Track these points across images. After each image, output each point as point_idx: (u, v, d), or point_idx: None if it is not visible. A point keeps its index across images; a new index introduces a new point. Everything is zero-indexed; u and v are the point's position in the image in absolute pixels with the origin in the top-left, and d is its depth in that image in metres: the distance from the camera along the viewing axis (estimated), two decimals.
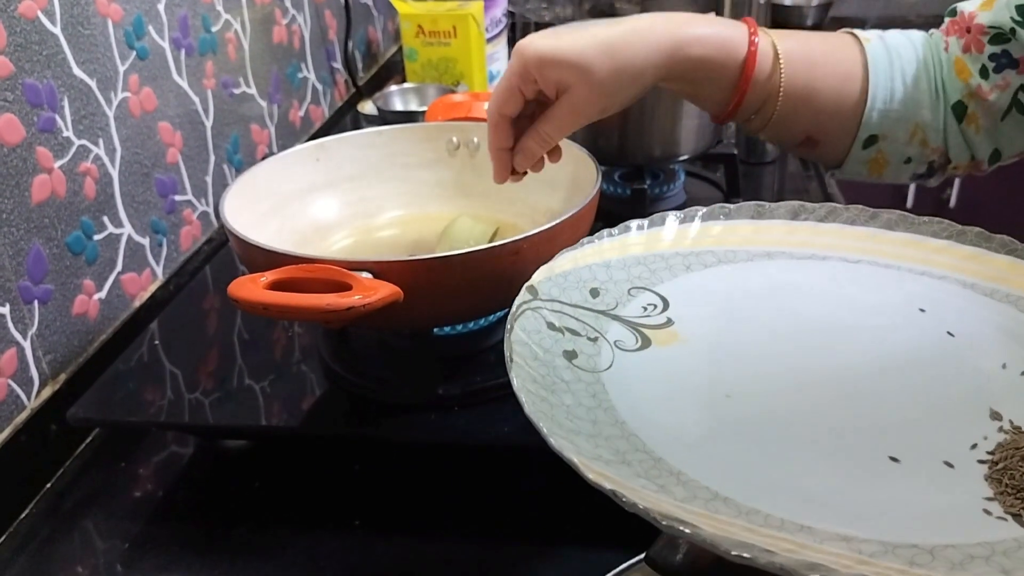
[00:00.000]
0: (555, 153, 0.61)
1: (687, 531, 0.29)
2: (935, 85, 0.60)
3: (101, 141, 0.70)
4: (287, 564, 0.53)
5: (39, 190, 0.62)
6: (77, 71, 0.67)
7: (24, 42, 0.61)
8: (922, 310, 0.45)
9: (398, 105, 1.05)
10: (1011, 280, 0.46)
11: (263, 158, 0.78)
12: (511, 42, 1.24)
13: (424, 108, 0.97)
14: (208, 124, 0.87)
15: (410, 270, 0.51)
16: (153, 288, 0.77)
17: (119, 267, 0.72)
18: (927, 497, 0.34)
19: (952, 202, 1.88)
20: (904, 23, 1.56)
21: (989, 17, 0.58)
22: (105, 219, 0.70)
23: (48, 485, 0.61)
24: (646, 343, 0.43)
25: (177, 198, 0.81)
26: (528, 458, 0.58)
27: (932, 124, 0.61)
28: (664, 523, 0.30)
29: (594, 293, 0.46)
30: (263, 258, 0.54)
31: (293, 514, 0.57)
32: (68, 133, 0.66)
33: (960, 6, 0.60)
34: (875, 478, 0.35)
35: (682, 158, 0.81)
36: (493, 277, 0.53)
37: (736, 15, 1.28)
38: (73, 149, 0.66)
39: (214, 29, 0.88)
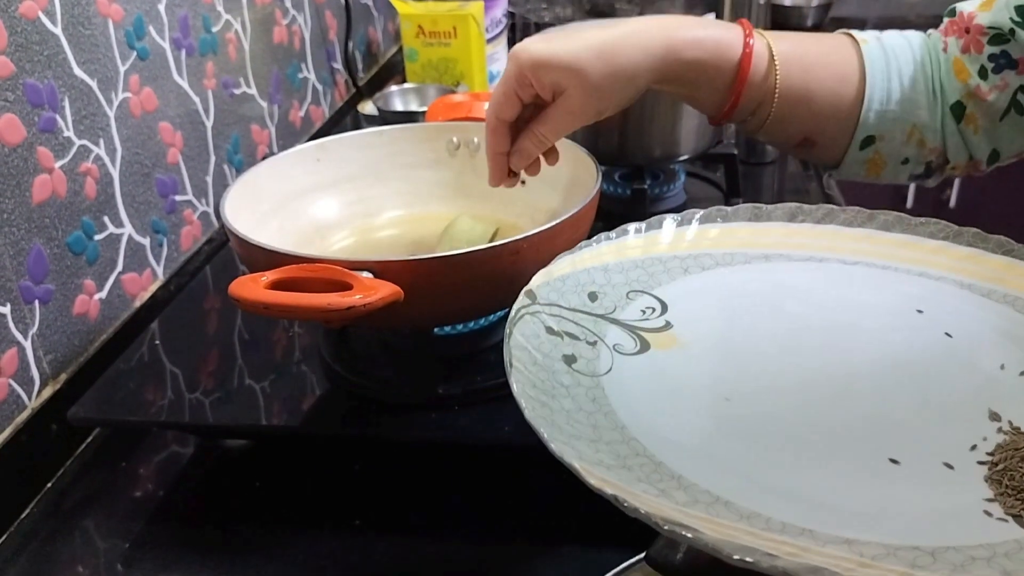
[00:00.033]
0: (552, 155, 0.61)
1: (689, 536, 0.29)
2: (932, 86, 0.61)
3: (102, 141, 0.70)
4: (287, 563, 0.53)
5: (40, 190, 0.63)
6: (78, 71, 0.67)
7: (25, 42, 0.61)
8: (920, 311, 0.45)
9: (398, 105, 1.05)
10: (1008, 281, 0.46)
11: (263, 158, 0.78)
12: (511, 42, 1.24)
13: (424, 108, 0.97)
14: (208, 124, 0.87)
15: (410, 270, 0.51)
16: (154, 288, 0.77)
17: (120, 267, 0.72)
18: (928, 499, 0.34)
19: (952, 202, 1.88)
20: (904, 23, 1.56)
21: (988, 18, 0.58)
22: (106, 219, 0.70)
23: (49, 484, 0.62)
24: (645, 347, 0.43)
25: (178, 198, 0.81)
26: (528, 458, 0.58)
27: (929, 125, 0.61)
28: (666, 528, 0.30)
29: (592, 297, 0.46)
30: (264, 258, 0.54)
31: (293, 514, 0.57)
32: (69, 133, 0.66)
33: (959, 6, 0.61)
34: (875, 480, 0.35)
35: (682, 158, 0.81)
36: (493, 277, 0.53)
37: (736, 16, 1.28)
38: (74, 149, 0.66)
39: (214, 29, 0.88)
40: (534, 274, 0.45)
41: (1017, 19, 0.56)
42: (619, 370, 0.41)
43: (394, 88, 1.07)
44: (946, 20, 0.62)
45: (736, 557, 0.28)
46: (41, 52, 0.63)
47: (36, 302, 0.62)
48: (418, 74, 1.14)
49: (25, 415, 0.61)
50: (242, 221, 0.59)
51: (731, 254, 0.50)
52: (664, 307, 0.46)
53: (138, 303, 0.75)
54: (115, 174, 0.72)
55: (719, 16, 1.28)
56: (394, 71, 1.38)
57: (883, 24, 1.47)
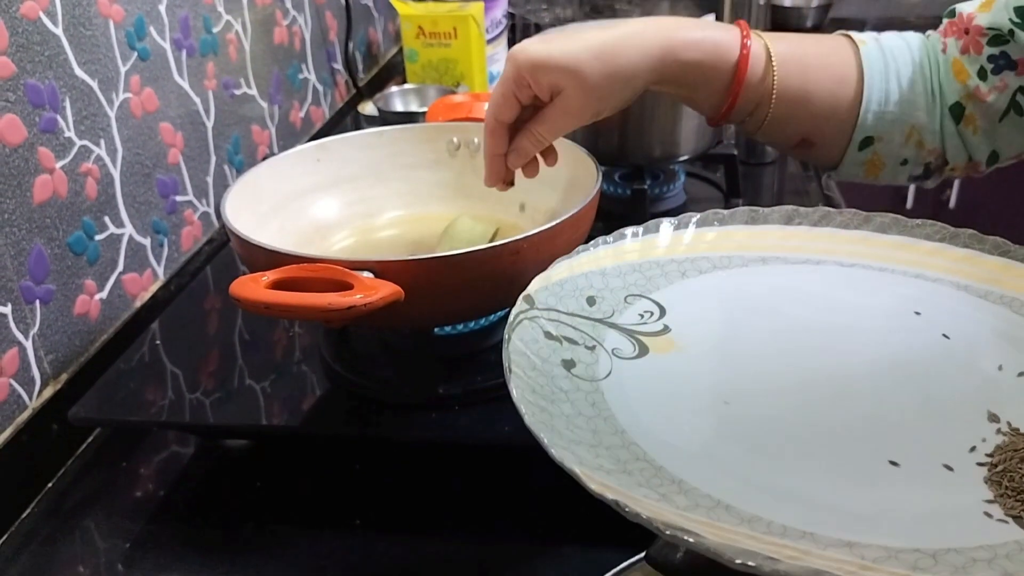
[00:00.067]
0: (550, 156, 0.61)
1: (691, 540, 0.29)
2: (931, 87, 0.61)
3: (103, 141, 0.70)
4: (288, 563, 0.53)
5: (41, 190, 0.63)
6: (79, 72, 0.67)
7: (26, 43, 0.61)
8: (917, 313, 0.45)
9: (399, 106, 1.06)
10: (1005, 282, 0.46)
11: (264, 159, 0.79)
12: (511, 43, 1.24)
13: (424, 109, 0.97)
14: (209, 125, 0.87)
15: (411, 269, 0.51)
16: (154, 288, 0.78)
17: (120, 267, 0.73)
18: (928, 501, 0.34)
19: (952, 203, 1.88)
20: (903, 24, 1.56)
21: (988, 19, 0.58)
22: (106, 219, 0.70)
23: (49, 484, 0.62)
24: (644, 351, 0.43)
25: (178, 198, 0.81)
26: (528, 458, 0.58)
27: (928, 126, 0.61)
28: (668, 533, 0.30)
29: (591, 301, 0.45)
30: (264, 258, 0.54)
31: (294, 513, 0.57)
32: (70, 133, 0.66)
33: (959, 7, 0.61)
34: (876, 482, 0.35)
35: (682, 158, 0.81)
36: (493, 277, 0.54)
37: (736, 17, 1.28)
38: (75, 149, 0.66)
39: (215, 30, 0.88)
40: (534, 274, 0.45)
41: (1016, 20, 0.56)
42: (618, 374, 0.41)
43: (394, 89, 1.07)
44: (945, 21, 0.62)
45: (738, 561, 0.28)
46: (42, 52, 0.63)
47: (37, 302, 0.63)
48: (418, 75, 1.15)
49: (26, 415, 0.61)
50: (243, 221, 0.59)
51: (728, 257, 0.50)
52: (662, 311, 0.46)
53: (139, 303, 0.75)
54: (116, 174, 0.72)
55: (719, 17, 1.29)
56: (394, 72, 1.38)
57: (882, 25, 1.47)
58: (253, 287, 0.49)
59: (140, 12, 0.75)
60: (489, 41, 1.16)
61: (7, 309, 0.60)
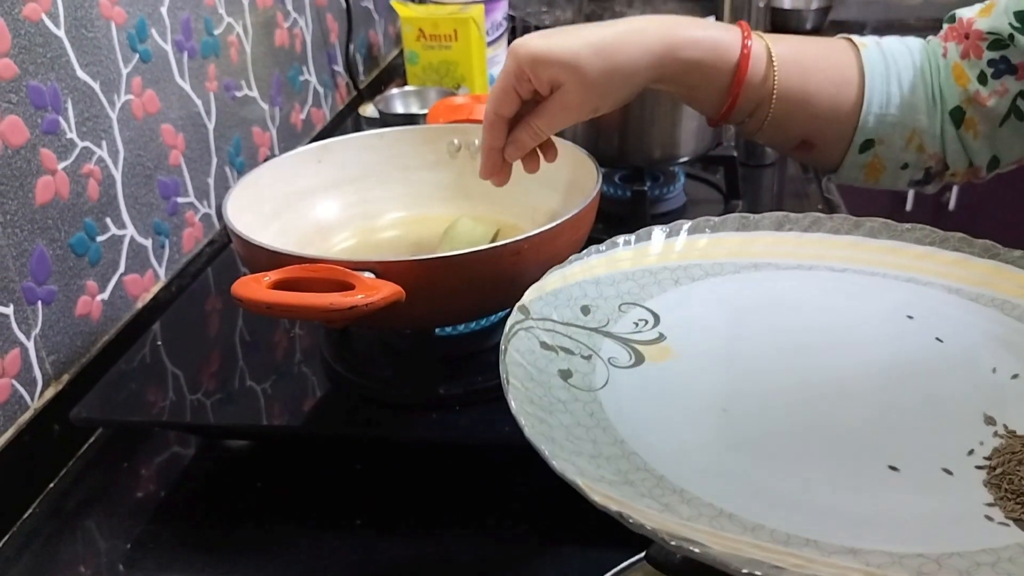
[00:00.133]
0: (550, 151, 0.61)
1: (696, 551, 0.29)
2: (932, 91, 0.61)
3: (104, 143, 0.70)
4: (289, 563, 0.53)
5: (43, 191, 0.63)
6: (81, 73, 0.67)
7: (28, 44, 0.61)
8: (910, 317, 0.45)
9: (399, 108, 1.06)
10: (995, 284, 0.46)
11: (265, 160, 0.79)
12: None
13: (425, 111, 0.97)
14: (210, 126, 0.87)
15: (412, 270, 0.52)
16: (155, 289, 0.78)
17: (122, 268, 0.73)
18: (929, 505, 0.34)
19: (951, 205, 1.88)
20: (903, 28, 1.57)
21: (988, 23, 0.58)
22: (108, 220, 0.71)
23: (51, 485, 0.62)
24: (639, 359, 0.43)
25: (179, 200, 0.81)
26: (528, 458, 0.58)
27: (929, 130, 0.61)
28: (673, 543, 0.30)
29: (585, 310, 0.45)
30: (266, 258, 0.54)
31: (295, 514, 0.57)
32: (72, 135, 0.66)
33: (959, 12, 0.61)
34: (876, 487, 0.35)
35: (682, 160, 0.81)
36: (494, 277, 0.54)
37: (735, 18, 1.29)
38: (76, 151, 0.67)
39: (216, 32, 0.88)
40: (535, 275, 0.46)
41: (1017, 25, 0.56)
42: (615, 384, 0.41)
43: (395, 91, 1.08)
44: (946, 26, 0.62)
45: (744, 571, 0.28)
46: (44, 54, 0.63)
47: (39, 303, 0.63)
48: (419, 77, 1.15)
49: (27, 415, 0.62)
50: (244, 222, 0.59)
51: (720, 264, 0.50)
52: (656, 319, 0.46)
53: (140, 304, 0.75)
54: (117, 176, 0.72)
55: (719, 18, 1.29)
56: (395, 74, 1.39)
57: (882, 28, 1.48)
58: (255, 287, 0.50)
59: (142, 14, 0.75)
60: (489, 43, 1.16)
61: (9, 310, 0.60)
